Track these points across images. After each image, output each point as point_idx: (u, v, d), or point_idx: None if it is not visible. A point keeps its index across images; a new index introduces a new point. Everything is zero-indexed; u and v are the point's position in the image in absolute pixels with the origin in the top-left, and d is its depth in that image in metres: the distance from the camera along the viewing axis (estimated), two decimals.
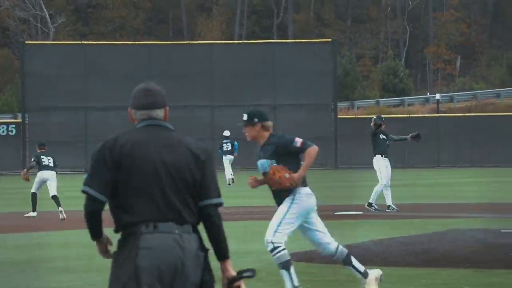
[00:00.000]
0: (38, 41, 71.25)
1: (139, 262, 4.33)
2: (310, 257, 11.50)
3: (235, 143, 34.76)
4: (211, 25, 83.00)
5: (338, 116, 52.56)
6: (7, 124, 50.78)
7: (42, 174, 20.27)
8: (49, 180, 20.09)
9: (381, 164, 19.99)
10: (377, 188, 19.91)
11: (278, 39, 76.86)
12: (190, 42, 64.96)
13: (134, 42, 60.31)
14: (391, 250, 11.32)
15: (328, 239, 9.13)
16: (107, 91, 50.28)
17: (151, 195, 4.39)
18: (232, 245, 14.98)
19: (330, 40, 55.85)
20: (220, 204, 4.54)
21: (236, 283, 4.48)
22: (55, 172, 20.36)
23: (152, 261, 4.33)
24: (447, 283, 9.86)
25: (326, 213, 19.60)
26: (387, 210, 19.76)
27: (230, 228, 17.52)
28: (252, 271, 4.52)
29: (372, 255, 11.19)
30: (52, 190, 19.95)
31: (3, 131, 49.35)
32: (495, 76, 78.94)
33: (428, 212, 19.62)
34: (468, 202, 21.12)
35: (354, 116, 57.74)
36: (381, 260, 11.01)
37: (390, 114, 57.78)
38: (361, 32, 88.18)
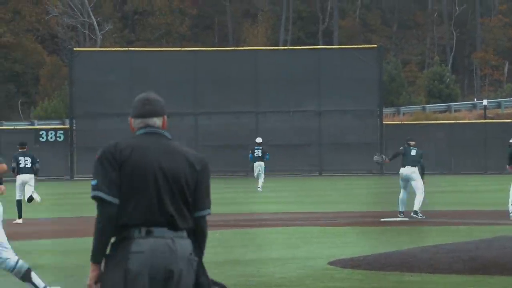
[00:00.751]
0: (86, 48, 71.95)
1: (130, 266, 4.38)
2: (355, 264, 11.45)
3: (267, 153, 35.34)
4: (256, 31, 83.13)
5: (384, 122, 52.30)
6: (55, 130, 51.31)
7: (19, 178, 19.90)
8: (27, 183, 19.81)
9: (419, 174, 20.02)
10: (419, 197, 19.84)
11: (323, 45, 76.74)
12: (236, 48, 65.13)
13: (180, 49, 60.63)
14: (438, 257, 11.22)
15: (8, 254, 9.07)
16: None
17: (146, 200, 4.46)
18: (277, 251, 14.90)
19: (375, 46, 55.62)
20: (208, 214, 4.63)
21: None
22: (33, 175, 19.92)
23: (143, 265, 4.38)
24: None
25: (372, 219, 19.52)
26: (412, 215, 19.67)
27: (274, 234, 17.43)
28: (221, 285, 4.58)
29: (418, 262, 11.11)
30: (27, 193, 19.55)
31: (51, 137, 49.87)
32: None
33: (475, 219, 19.43)
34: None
35: (400, 122, 57.41)
36: (428, 267, 10.92)
37: (436, 120, 57.37)
38: (407, 38, 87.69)
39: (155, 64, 51.13)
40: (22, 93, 78.97)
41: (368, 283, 10.22)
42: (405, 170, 20.26)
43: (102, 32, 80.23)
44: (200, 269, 4.51)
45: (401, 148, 20.78)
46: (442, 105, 68.41)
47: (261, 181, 34.11)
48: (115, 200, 4.44)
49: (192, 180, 4.52)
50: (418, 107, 68.05)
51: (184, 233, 4.49)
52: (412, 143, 20.82)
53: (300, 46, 68.28)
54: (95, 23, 79.96)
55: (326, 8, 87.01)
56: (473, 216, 20.10)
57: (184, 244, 4.46)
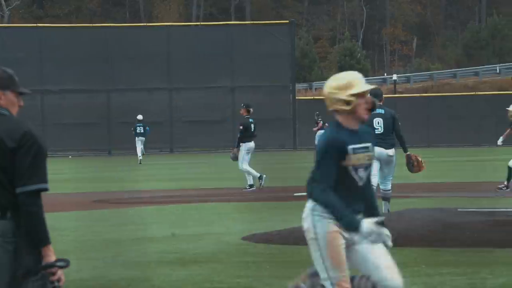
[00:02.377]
0: None
1: None
2: (269, 239, 11.56)
3: (147, 128, 39.48)
4: (168, 7, 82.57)
5: (296, 98, 52.69)
6: None
7: None
8: None
9: None
10: None
11: (235, 20, 76.71)
12: (147, 24, 64.63)
13: (91, 25, 59.87)
14: None
15: None
16: (64, 74, 49.89)
17: None
18: (191, 227, 14.91)
19: (287, 21, 55.88)
20: (36, 191, 4.47)
21: (51, 270, 4.47)
22: None
23: None
24: (404, 262, 9.96)
25: (285, 194, 19.70)
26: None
27: (188, 210, 17.45)
28: (66, 261, 4.51)
29: None
30: None
31: None
32: (450, 56, 79.56)
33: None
34: (425, 182, 21.33)
35: (312, 97, 57.91)
36: None
37: None
38: (319, 14, 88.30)
39: (65, 41, 50.38)
40: None
41: (282, 257, 10.33)
42: None
43: (10, 7, 78.56)
44: (19, 251, 4.43)
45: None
46: None
47: (139, 152, 38.53)
48: None
49: (4, 158, 4.43)
50: None
51: (2, 215, 4.43)
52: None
53: (213, 22, 68.12)
54: None
55: None
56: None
57: None
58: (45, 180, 4.49)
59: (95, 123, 50.25)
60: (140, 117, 39.96)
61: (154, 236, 12.55)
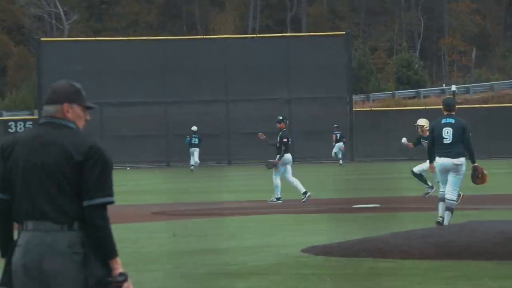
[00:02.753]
0: (53, 38, 71.43)
1: (13, 259, 4.54)
2: (329, 251, 11.47)
3: (201, 139, 42.12)
4: (224, 19, 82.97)
5: (354, 109, 52.44)
6: (24, 120, 50.98)
7: None
8: None
9: None
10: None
11: (291, 32, 76.73)
12: (204, 36, 64.98)
13: (148, 38, 60.37)
14: (410, 243, 11.27)
15: None
16: (122, 87, 50.37)
17: (21, 195, 4.53)
18: (251, 239, 14.90)
19: (344, 33, 55.70)
20: (103, 204, 4.50)
21: (112, 284, 4.49)
22: None
23: (19, 258, 4.50)
24: (467, 275, 9.81)
25: (344, 206, 19.57)
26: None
27: (247, 222, 17.46)
28: (124, 275, 4.51)
29: (391, 248, 11.16)
30: None
31: (20, 128, 49.54)
32: (511, 67, 78.56)
33: None
34: (487, 194, 21.04)
35: (370, 108, 57.61)
36: (400, 252, 10.97)
37: (405, 106, 57.60)
38: (375, 25, 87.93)
39: (123, 54, 50.87)
40: None
41: (342, 270, 10.24)
42: None
43: (69, 22, 79.69)
44: (89, 261, 4.46)
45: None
46: (411, 91, 68.72)
47: (193, 161, 41.46)
48: (2, 196, 4.56)
49: (72, 171, 4.48)
50: (387, 93, 68.30)
51: (68, 226, 4.47)
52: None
53: (269, 33, 68.22)
54: (61, 12, 79.39)
55: None
56: None
57: (61, 236, 4.46)
58: (111, 194, 4.53)
59: (153, 135, 50.60)
60: (194, 128, 41.90)
61: (213, 248, 12.54)
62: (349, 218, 16.66)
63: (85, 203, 4.48)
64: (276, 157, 21.41)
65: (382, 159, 48.86)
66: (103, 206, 4.51)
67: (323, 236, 13.19)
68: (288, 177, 21.28)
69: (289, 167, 21.32)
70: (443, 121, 13.85)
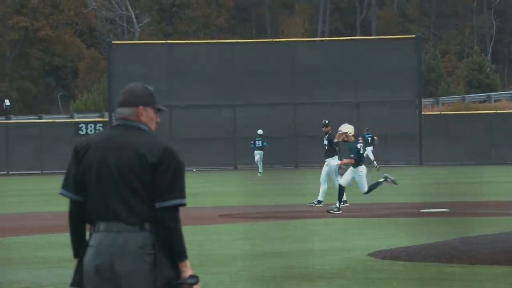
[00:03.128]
0: (124, 41, 72.31)
1: (84, 259, 4.57)
2: (395, 255, 11.39)
3: (265, 142, 42.73)
4: (294, 22, 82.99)
5: (423, 113, 51.97)
6: (95, 123, 51.67)
7: None
8: None
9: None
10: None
11: (361, 35, 76.39)
12: (273, 40, 65.06)
13: (218, 41, 60.68)
14: (478, 248, 11.13)
15: None
16: (191, 90, 50.73)
17: (95, 196, 4.57)
18: (317, 243, 14.84)
19: (414, 36, 55.25)
20: (174, 206, 4.52)
21: (182, 286, 4.50)
22: None
23: (91, 259, 4.53)
24: None
25: (412, 210, 19.41)
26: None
27: (314, 226, 17.39)
28: (196, 277, 4.51)
29: (459, 253, 11.03)
30: None
31: (91, 130, 50.23)
32: None
33: None
34: None
35: (439, 112, 57.03)
36: (469, 258, 10.84)
37: (476, 110, 56.90)
38: (446, 28, 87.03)
39: (193, 57, 51.24)
40: (62, 86, 79.60)
41: (408, 274, 10.16)
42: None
43: (140, 25, 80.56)
44: (159, 262, 4.49)
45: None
46: (482, 95, 67.82)
47: (261, 167, 41.88)
48: (76, 197, 4.59)
49: (145, 173, 4.50)
50: (457, 97, 67.52)
51: (140, 227, 4.49)
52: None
53: (338, 37, 68.02)
54: (133, 16, 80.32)
55: None
56: None
57: (133, 237, 4.48)
58: (183, 196, 4.56)
59: (220, 138, 50.84)
60: (260, 131, 42.82)
61: (279, 251, 12.55)
62: (417, 223, 16.51)
63: (157, 205, 4.51)
64: (338, 161, 21.23)
65: (451, 164, 48.33)
66: (175, 208, 4.54)
67: (390, 240, 13.10)
68: (323, 178, 21.15)
69: (330, 169, 21.19)
70: None
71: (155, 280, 4.49)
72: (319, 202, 21.13)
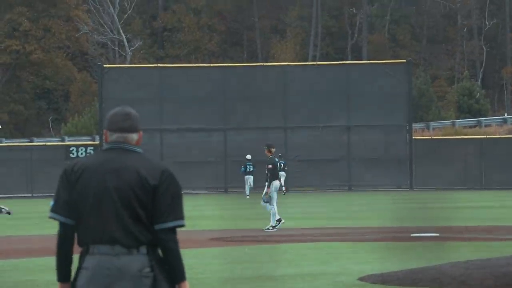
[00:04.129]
0: (115, 64, 72.40)
1: (78, 282, 4.54)
2: (386, 280, 11.39)
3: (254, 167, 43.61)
4: (285, 46, 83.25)
5: (413, 137, 52.10)
6: (86, 146, 51.63)
7: None
8: None
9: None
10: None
11: (352, 60, 76.65)
12: (264, 64, 65.26)
13: (209, 65, 60.82)
14: (469, 273, 11.14)
15: None
16: (182, 113, 50.76)
17: (91, 219, 4.55)
18: (307, 267, 14.85)
19: (405, 61, 55.48)
20: (175, 227, 4.55)
21: None
22: None
23: (88, 281, 4.51)
24: None
25: (402, 234, 19.43)
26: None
27: (304, 250, 17.39)
28: None
29: (449, 278, 11.04)
30: None
31: (81, 153, 50.19)
32: None
33: (506, 234, 19.28)
34: None
35: (430, 137, 57.16)
36: (459, 283, 10.85)
37: (466, 135, 57.07)
38: (437, 53, 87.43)
39: (184, 80, 51.31)
40: (53, 109, 79.58)
41: None
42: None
43: (132, 49, 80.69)
44: (158, 285, 4.48)
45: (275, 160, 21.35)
46: (472, 120, 68.05)
47: (248, 190, 43.09)
48: (68, 221, 4.58)
49: (146, 196, 4.51)
50: (447, 122, 67.73)
51: (138, 250, 4.50)
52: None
53: (329, 61, 68.25)
54: (124, 40, 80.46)
55: (355, 23, 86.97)
56: (504, 232, 19.94)
57: (131, 260, 4.48)
58: (182, 217, 4.59)
59: (212, 162, 50.84)
60: (249, 156, 43.89)
61: (270, 274, 12.54)
62: (407, 247, 16.52)
63: (158, 227, 4.52)
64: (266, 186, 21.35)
65: (441, 188, 48.40)
66: (175, 230, 4.56)
67: (380, 265, 13.10)
68: (272, 202, 21.20)
69: (275, 194, 21.21)
70: None
71: None
72: (279, 221, 21.15)
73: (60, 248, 4.61)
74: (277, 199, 21.33)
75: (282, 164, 46.14)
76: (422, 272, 11.53)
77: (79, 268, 4.55)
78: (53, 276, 4.19)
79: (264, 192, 21.35)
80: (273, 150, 21.85)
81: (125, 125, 4.66)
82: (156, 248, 4.55)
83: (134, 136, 4.66)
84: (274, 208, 21.12)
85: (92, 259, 4.52)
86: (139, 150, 4.66)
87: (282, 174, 43.43)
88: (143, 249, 4.52)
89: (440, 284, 10.90)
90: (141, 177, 4.53)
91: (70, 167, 4.63)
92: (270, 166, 21.33)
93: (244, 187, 43.63)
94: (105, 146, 4.70)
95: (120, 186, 4.53)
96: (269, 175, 21.31)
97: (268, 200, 21.16)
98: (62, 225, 4.59)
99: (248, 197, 41.87)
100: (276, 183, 21.38)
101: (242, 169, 43.89)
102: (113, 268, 4.48)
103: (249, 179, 43.47)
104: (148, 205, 4.52)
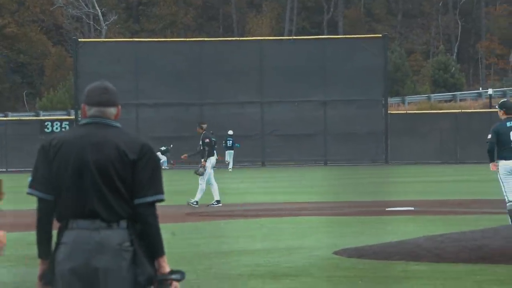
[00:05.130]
0: (90, 39, 71.94)
1: (57, 256, 4.52)
2: (361, 253, 11.46)
3: (236, 143, 45.60)
4: (261, 21, 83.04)
5: (389, 112, 52.26)
6: (61, 121, 51.38)
7: None
8: None
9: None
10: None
11: (328, 35, 76.62)
12: (240, 38, 65.08)
13: (185, 39, 60.58)
14: (443, 246, 11.23)
15: None
16: (157, 88, 50.60)
17: (70, 193, 4.54)
18: (283, 241, 14.92)
19: (380, 35, 55.54)
20: (155, 202, 4.54)
21: (167, 281, 4.50)
22: None
23: (66, 256, 4.49)
24: (500, 279, 9.77)
25: (377, 209, 19.54)
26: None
27: (280, 224, 17.48)
28: (182, 273, 4.53)
29: (424, 251, 11.13)
30: None
31: (56, 128, 49.95)
32: None
33: (481, 208, 19.44)
34: None
35: (405, 111, 57.36)
36: (433, 256, 10.94)
37: (441, 110, 57.32)
38: (412, 27, 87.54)
39: (160, 55, 51.10)
40: (27, 84, 79.06)
41: (374, 272, 10.23)
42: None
43: (107, 23, 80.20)
44: (138, 259, 4.48)
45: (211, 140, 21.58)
46: (447, 95, 68.32)
47: (231, 164, 44.84)
48: (47, 196, 4.55)
49: (125, 170, 4.50)
50: (423, 96, 67.96)
51: (117, 224, 4.49)
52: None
53: (305, 36, 68.19)
54: (100, 14, 79.93)
55: None
56: (479, 205, 20.11)
57: (111, 234, 4.47)
58: (162, 191, 4.58)
59: (188, 136, 50.79)
60: (230, 132, 45.40)
61: (246, 249, 12.58)
62: (382, 221, 16.62)
63: (138, 201, 4.51)
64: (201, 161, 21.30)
65: (416, 162, 48.63)
66: (154, 204, 4.55)
67: (356, 239, 13.18)
68: (211, 179, 21.15)
69: (211, 170, 21.16)
70: (508, 124, 13.87)
71: (135, 276, 4.47)
72: (218, 202, 21.11)
73: (39, 224, 4.58)
74: (214, 176, 21.20)
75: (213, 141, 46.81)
76: (397, 245, 11.61)
77: (58, 244, 4.54)
78: (27, 250, 4.21)
79: (200, 165, 21.31)
80: (204, 126, 21.98)
81: (103, 99, 4.64)
82: (136, 223, 4.54)
83: (113, 110, 4.64)
84: (203, 185, 21.02)
85: (71, 234, 4.51)
86: (117, 124, 4.64)
87: (230, 152, 45.26)
88: (123, 223, 4.51)
89: (415, 257, 10.98)
90: (120, 151, 4.52)
91: (48, 142, 4.61)
92: (207, 140, 21.34)
93: (226, 161, 44.69)
94: (83, 120, 4.68)
95: (100, 160, 4.51)
96: (207, 149, 21.30)
97: (202, 173, 21.10)
98: (41, 200, 4.57)
99: (231, 170, 43.12)
100: (212, 160, 21.36)
101: (224, 144, 44.77)
102: (92, 242, 4.47)
103: (229, 153, 45.25)
104: (127, 179, 4.51)
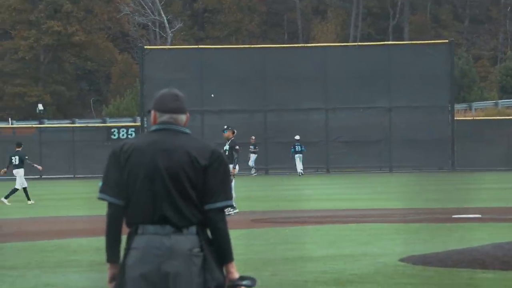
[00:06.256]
0: (156, 46, 72.64)
1: (127, 261, 4.53)
2: (427, 261, 11.36)
3: (303, 147, 46.70)
4: (325, 27, 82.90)
5: (455, 118, 51.70)
6: (127, 127, 51.93)
7: (14, 172, 26.44)
8: (16, 175, 26.22)
9: None
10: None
11: (393, 41, 76.15)
12: (305, 45, 65.05)
13: (249, 46, 60.79)
14: (511, 254, 11.07)
15: None
16: (222, 95, 50.85)
17: (142, 199, 4.55)
18: (348, 248, 14.89)
19: (447, 41, 55.00)
20: (225, 207, 4.59)
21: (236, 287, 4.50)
22: (19, 169, 26.23)
23: (137, 261, 4.50)
24: None
25: (444, 216, 19.34)
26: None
27: (345, 231, 17.43)
28: (253, 280, 4.52)
29: (491, 259, 10.99)
30: (17, 184, 25.91)
31: (123, 135, 50.51)
32: None
33: None
34: None
35: (472, 118, 56.70)
36: (501, 264, 10.79)
37: (509, 116, 56.49)
38: (479, 33, 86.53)
39: (225, 61, 51.34)
40: (94, 91, 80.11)
41: (440, 280, 10.14)
42: None
43: (173, 30, 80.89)
44: (208, 265, 4.50)
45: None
46: None
47: (300, 166, 46.06)
48: (118, 201, 4.59)
49: (196, 176, 4.53)
50: (490, 102, 67.09)
51: (188, 230, 4.51)
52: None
53: (370, 42, 67.87)
54: (165, 21, 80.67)
55: (396, 3, 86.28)
56: None
57: (181, 239, 4.49)
58: (231, 197, 4.65)
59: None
60: (297, 137, 46.31)
61: (310, 255, 12.56)
62: (449, 228, 16.44)
63: (208, 206, 4.55)
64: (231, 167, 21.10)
65: (484, 169, 48.03)
66: (224, 210, 4.61)
67: (421, 246, 13.07)
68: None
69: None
70: None
71: (205, 282, 4.49)
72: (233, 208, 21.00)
73: (109, 228, 4.61)
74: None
75: (252, 147, 50.60)
76: (463, 253, 11.48)
77: (128, 249, 4.56)
78: (96, 256, 4.26)
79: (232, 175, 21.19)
80: (235, 132, 21.99)
81: (175, 106, 4.69)
82: (205, 228, 4.56)
83: (183, 117, 4.70)
84: (233, 193, 20.89)
85: (142, 239, 4.53)
86: (187, 131, 4.70)
87: (299, 156, 46.21)
88: (193, 229, 4.54)
89: (482, 265, 10.84)
90: (192, 157, 4.56)
91: (119, 147, 4.65)
92: (237, 147, 21.37)
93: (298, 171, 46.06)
94: (153, 127, 4.70)
95: (171, 166, 4.54)
96: (235, 156, 21.28)
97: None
98: (111, 205, 4.61)
99: (301, 175, 45.03)
100: (237, 168, 21.35)
101: (292, 149, 46.15)
102: (163, 248, 4.49)
103: (298, 157, 46.45)
104: (198, 185, 4.54)
